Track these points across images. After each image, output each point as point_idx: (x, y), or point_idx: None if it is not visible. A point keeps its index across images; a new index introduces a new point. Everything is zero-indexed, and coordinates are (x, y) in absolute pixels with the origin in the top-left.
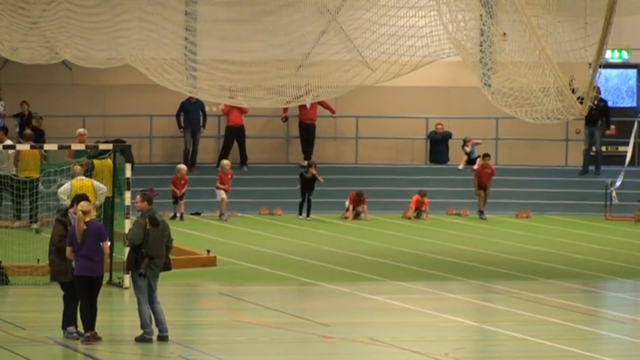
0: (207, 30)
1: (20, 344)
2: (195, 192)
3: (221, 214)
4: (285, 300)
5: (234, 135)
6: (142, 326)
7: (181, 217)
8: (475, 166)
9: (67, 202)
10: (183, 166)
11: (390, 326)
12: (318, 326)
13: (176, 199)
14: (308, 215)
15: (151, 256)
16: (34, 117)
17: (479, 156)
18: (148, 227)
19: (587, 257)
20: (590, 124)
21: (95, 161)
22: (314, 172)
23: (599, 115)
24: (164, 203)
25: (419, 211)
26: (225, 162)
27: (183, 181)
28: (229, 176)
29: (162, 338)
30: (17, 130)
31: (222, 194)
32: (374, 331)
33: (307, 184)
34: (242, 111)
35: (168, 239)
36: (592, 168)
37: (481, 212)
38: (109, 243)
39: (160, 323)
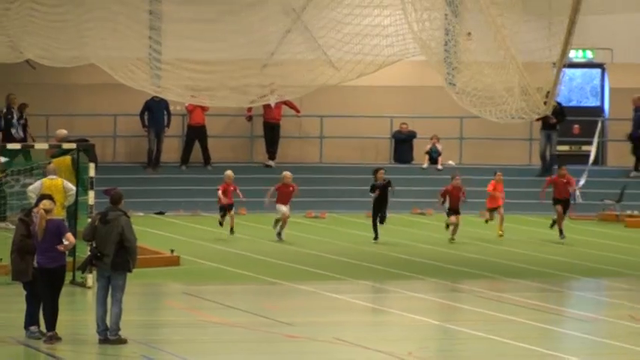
0: (172, 29)
1: None
2: (158, 191)
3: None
4: (250, 299)
5: (196, 134)
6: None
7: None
8: (439, 166)
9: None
10: (229, 172)
11: (354, 325)
12: (282, 325)
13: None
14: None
15: (95, 254)
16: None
17: (440, 154)
18: (96, 224)
19: (550, 256)
20: (546, 127)
21: (54, 160)
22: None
23: (556, 116)
24: (139, 202)
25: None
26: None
27: (232, 188)
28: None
29: (103, 340)
30: None
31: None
32: (338, 331)
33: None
34: (204, 109)
35: (125, 239)
36: (556, 167)
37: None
38: (70, 234)
39: (110, 324)
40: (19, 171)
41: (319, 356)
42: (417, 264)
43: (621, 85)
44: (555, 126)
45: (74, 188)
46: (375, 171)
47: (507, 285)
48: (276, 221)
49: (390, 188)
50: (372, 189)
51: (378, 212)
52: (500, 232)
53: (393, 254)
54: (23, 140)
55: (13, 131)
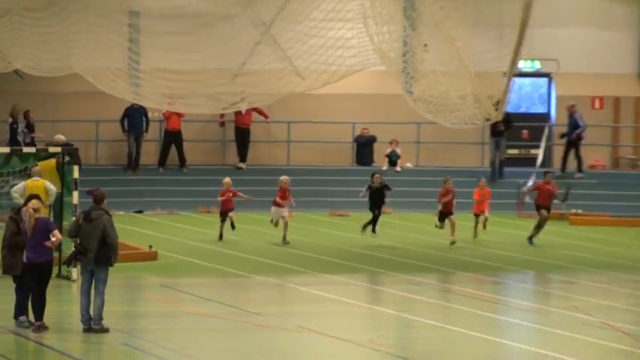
0: (150, 41)
1: None
2: (137, 192)
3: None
4: (222, 291)
5: (172, 139)
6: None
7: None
8: (398, 168)
9: (20, 201)
10: (227, 179)
11: (318, 315)
12: (251, 315)
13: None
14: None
15: (79, 249)
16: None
17: (399, 157)
18: (80, 222)
19: (499, 251)
20: (495, 135)
21: (39, 162)
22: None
23: (503, 124)
24: (120, 202)
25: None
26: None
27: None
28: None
29: (87, 329)
30: None
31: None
32: (303, 320)
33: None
34: (180, 115)
35: (107, 236)
36: (508, 170)
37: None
38: (57, 231)
39: (93, 314)
40: (9, 172)
41: (285, 343)
42: (375, 258)
43: (566, 93)
44: (503, 133)
45: (54, 188)
46: (372, 175)
47: (458, 278)
48: (276, 223)
49: (386, 191)
50: (368, 189)
51: (374, 210)
52: (484, 231)
53: (354, 249)
54: (32, 145)
55: (19, 138)
